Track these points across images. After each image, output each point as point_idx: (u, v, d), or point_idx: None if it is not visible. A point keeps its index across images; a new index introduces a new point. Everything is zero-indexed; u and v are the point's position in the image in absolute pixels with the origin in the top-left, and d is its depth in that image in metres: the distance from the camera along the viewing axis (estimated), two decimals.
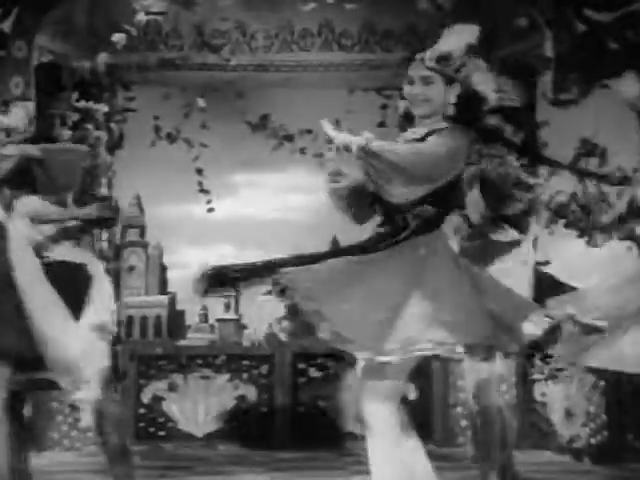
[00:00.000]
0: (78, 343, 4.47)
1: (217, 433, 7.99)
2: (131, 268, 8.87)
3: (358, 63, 8.43)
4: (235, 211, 8.83)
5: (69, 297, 4.50)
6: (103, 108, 7.89)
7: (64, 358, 4.37)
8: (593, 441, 7.36)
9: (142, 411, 8.25)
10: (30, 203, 4.59)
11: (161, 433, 8.02)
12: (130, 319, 8.92)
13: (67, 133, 7.63)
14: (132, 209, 9.02)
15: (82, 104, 7.68)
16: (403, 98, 4.54)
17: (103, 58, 7.67)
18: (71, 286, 4.58)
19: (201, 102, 8.45)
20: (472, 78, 3.77)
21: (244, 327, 9.03)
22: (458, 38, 3.84)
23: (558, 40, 7.48)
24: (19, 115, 4.95)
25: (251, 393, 8.14)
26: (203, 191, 8.76)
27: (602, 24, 7.56)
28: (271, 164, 8.79)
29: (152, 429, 8.03)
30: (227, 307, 11.52)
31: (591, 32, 7.53)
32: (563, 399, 7.45)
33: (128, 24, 7.63)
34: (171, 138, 8.67)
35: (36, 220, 4.64)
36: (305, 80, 8.44)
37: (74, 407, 7.42)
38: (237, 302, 11.11)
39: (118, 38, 7.53)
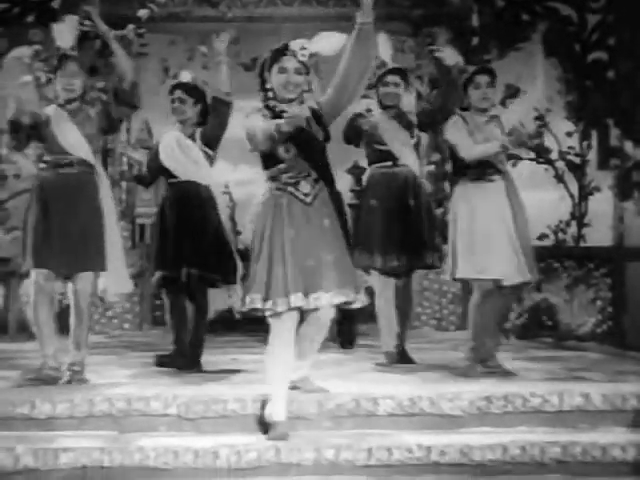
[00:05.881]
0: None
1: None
2: None
3: (332, 15, 9.37)
4: (229, 132, 9.82)
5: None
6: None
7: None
8: (518, 322, 8.70)
9: (157, 302, 9.19)
10: None
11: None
12: (142, 227, 9.91)
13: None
14: (142, 134, 9.89)
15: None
16: None
17: (131, 29, 8.49)
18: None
19: (203, 49, 9.09)
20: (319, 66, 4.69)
21: (239, 233, 9.42)
22: (327, 42, 4.63)
23: (482, 13, 8.45)
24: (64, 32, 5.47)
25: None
26: None
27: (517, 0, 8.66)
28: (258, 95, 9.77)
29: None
30: None
31: (508, 6, 8.59)
32: None
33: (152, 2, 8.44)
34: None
35: None
36: (288, 30, 8.96)
37: (103, 299, 7.97)
38: (233, 210, 12.20)
39: (142, 13, 8.33)
